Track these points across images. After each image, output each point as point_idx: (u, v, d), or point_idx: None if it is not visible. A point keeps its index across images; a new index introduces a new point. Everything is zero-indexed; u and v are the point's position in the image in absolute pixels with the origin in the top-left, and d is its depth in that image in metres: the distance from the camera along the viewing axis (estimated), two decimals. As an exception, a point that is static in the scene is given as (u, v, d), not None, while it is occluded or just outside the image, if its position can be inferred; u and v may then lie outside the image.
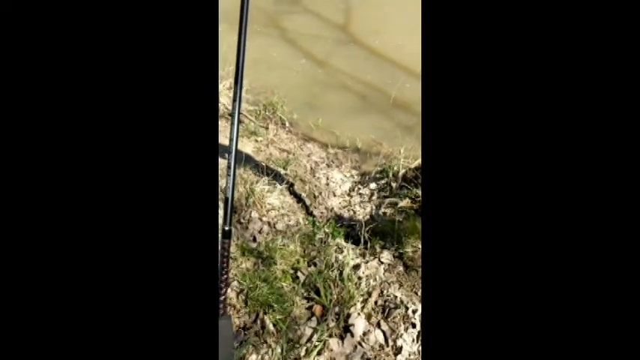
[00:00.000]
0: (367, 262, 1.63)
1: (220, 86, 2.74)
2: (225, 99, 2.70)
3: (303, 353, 1.31)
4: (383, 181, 2.17)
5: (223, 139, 2.30)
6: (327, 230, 1.77)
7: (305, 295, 1.50)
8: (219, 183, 1.91)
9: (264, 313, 1.41)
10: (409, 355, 1.35)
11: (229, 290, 1.21)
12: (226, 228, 0.74)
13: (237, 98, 0.74)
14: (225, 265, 0.71)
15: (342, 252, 1.66)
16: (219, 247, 0.71)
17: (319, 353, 1.32)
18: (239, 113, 0.75)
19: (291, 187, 2.09)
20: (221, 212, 0.74)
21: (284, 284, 1.51)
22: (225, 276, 0.70)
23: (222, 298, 0.68)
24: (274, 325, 1.38)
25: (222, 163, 2.06)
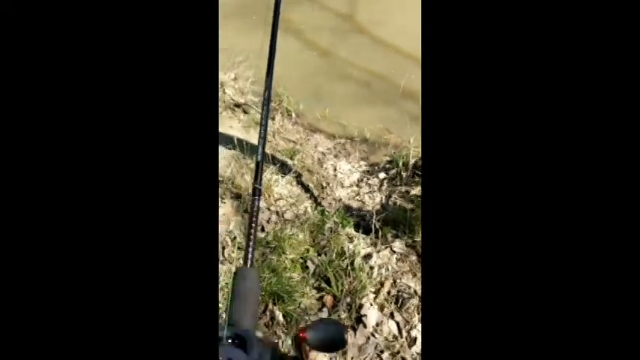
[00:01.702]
0: (379, 251, 1.58)
1: (226, 77, 2.70)
2: (230, 90, 2.65)
3: (314, 345, 1.27)
4: (393, 171, 2.11)
5: (227, 129, 2.27)
6: (336, 219, 1.72)
7: (315, 285, 1.45)
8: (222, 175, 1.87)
9: (274, 304, 1.37)
10: (424, 346, 1.30)
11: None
12: (256, 186, 0.78)
13: (268, 86, 0.90)
14: (254, 220, 0.75)
15: (352, 241, 1.61)
16: (250, 204, 0.77)
17: (331, 344, 1.28)
18: (269, 94, 0.88)
19: (298, 177, 2.04)
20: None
21: (294, 274, 1.47)
22: (254, 230, 0.74)
23: (250, 249, 0.72)
24: (284, 316, 1.34)
25: (224, 152, 2.02)
